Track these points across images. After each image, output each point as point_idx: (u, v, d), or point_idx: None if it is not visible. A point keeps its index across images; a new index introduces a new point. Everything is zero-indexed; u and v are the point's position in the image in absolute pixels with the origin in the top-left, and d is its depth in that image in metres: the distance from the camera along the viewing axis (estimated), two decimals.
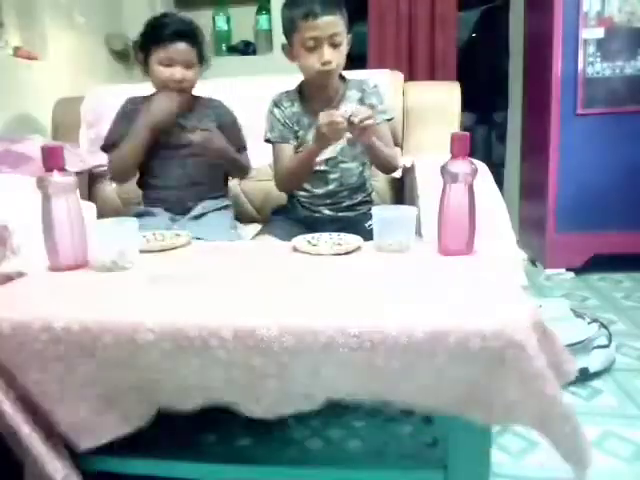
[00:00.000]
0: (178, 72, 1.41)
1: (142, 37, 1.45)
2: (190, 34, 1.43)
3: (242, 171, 1.58)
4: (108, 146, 1.51)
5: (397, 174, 1.63)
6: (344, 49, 1.32)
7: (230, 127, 1.54)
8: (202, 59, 1.48)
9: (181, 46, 1.40)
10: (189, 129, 1.41)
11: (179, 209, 1.48)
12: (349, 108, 1.24)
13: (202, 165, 1.49)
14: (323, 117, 1.21)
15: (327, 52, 1.28)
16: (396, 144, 1.67)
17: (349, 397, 0.74)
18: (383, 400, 0.73)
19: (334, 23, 1.27)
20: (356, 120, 1.19)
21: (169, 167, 1.48)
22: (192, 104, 1.51)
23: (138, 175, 1.55)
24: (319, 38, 1.27)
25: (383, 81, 1.71)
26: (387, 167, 1.43)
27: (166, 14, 1.46)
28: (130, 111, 1.49)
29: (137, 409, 0.77)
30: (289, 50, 1.35)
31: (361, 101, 1.40)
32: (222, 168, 1.56)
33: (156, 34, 1.41)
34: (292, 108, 1.42)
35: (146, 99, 1.49)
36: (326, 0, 1.27)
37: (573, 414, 0.69)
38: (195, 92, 1.54)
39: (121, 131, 1.47)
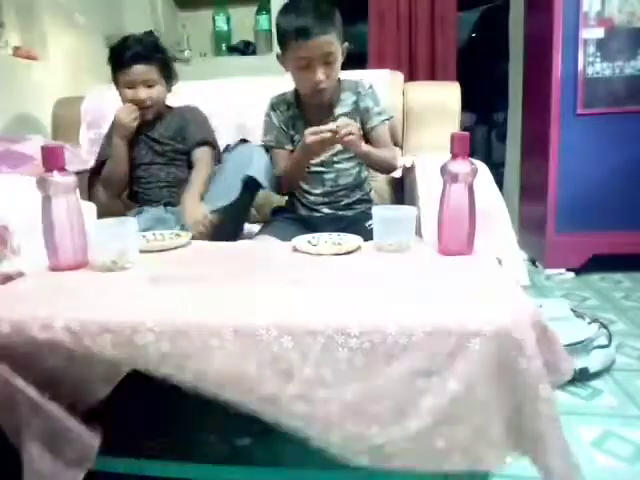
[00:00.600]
0: (140, 92, 1.48)
1: (109, 64, 1.51)
2: (147, 54, 1.48)
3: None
4: (99, 167, 1.59)
5: (397, 174, 1.63)
6: (338, 64, 1.31)
7: (194, 123, 1.56)
8: (167, 74, 1.54)
9: (139, 68, 1.47)
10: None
11: (175, 203, 1.50)
12: (335, 123, 1.25)
13: (184, 166, 1.54)
14: (309, 132, 1.23)
15: (320, 72, 1.27)
16: (396, 144, 1.67)
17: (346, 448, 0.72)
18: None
19: (327, 43, 1.24)
20: (340, 134, 1.22)
21: (153, 173, 1.54)
22: (162, 115, 1.56)
23: (128, 190, 1.61)
24: (311, 59, 1.25)
25: (383, 81, 1.71)
26: (385, 169, 1.44)
27: (126, 38, 1.51)
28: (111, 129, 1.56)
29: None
30: (283, 60, 1.34)
31: (356, 104, 1.39)
32: None
33: (116, 60, 1.49)
34: (288, 112, 1.42)
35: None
36: (319, 16, 1.24)
37: (559, 420, 0.69)
38: (173, 103, 1.60)
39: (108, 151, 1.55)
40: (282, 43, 1.31)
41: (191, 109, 1.61)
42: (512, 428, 0.71)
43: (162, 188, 1.54)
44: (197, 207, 1.34)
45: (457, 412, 0.70)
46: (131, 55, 1.47)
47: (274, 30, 2.76)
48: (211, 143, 1.55)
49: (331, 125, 1.22)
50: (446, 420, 0.69)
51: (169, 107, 1.60)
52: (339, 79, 1.41)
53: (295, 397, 0.71)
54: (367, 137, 1.40)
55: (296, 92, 1.43)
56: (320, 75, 1.27)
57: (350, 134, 1.22)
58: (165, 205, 1.53)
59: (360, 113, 1.39)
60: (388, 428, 0.70)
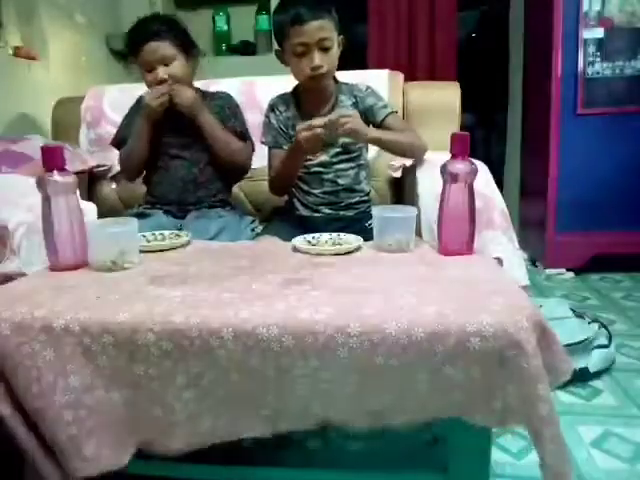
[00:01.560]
0: (160, 72, 1.39)
1: (127, 51, 1.44)
2: (158, 29, 1.39)
3: (240, 167, 1.52)
4: (116, 142, 1.53)
5: (397, 174, 1.63)
6: (335, 52, 1.31)
7: (228, 114, 1.49)
8: (186, 47, 1.43)
9: (151, 46, 1.38)
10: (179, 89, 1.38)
11: (179, 210, 1.46)
12: (328, 116, 1.22)
13: (206, 166, 1.47)
14: (301, 127, 1.22)
15: (317, 57, 1.27)
16: None
17: (346, 415, 0.74)
18: (382, 417, 0.73)
19: (322, 28, 1.26)
20: (339, 122, 1.18)
21: (173, 166, 1.46)
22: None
23: (144, 172, 1.53)
24: (308, 44, 1.26)
25: (383, 81, 1.71)
26: (409, 151, 1.37)
27: (140, 20, 1.44)
28: (140, 108, 1.47)
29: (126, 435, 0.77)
30: (281, 55, 1.35)
31: (355, 106, 1.39)
32: (224, 168, 1.54)
33: (131, 44, 1.42)
34: (287, 112, 1.42)
35: None
36: (313, 4, 1.25)
37: (558, 420, 0.69)
38: (202, 88, 1.54)
39: (127, 128, 1.48)
40: (279, 36, 1.32)
41: (228, 98, 1.53)
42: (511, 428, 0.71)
43: (174, 188, 1.45)
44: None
45: (456, 412, 0.70)
46: (142, 33, 1.39)
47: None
48: (246, 138, 1.50)
49: (322, 119, 1.20)
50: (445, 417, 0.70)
51: (199, 91, 1.50)
52: (337, 81, 1.41)
53: (299, 377, 0.71)
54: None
55: (295, 92, 1.43)
56: (317, 60, 1.27)
57: (347, 123, 1.18)
58: (165, 212, 1.45)
59: (362, 114, 1.39)
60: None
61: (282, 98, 1.45)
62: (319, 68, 1.28)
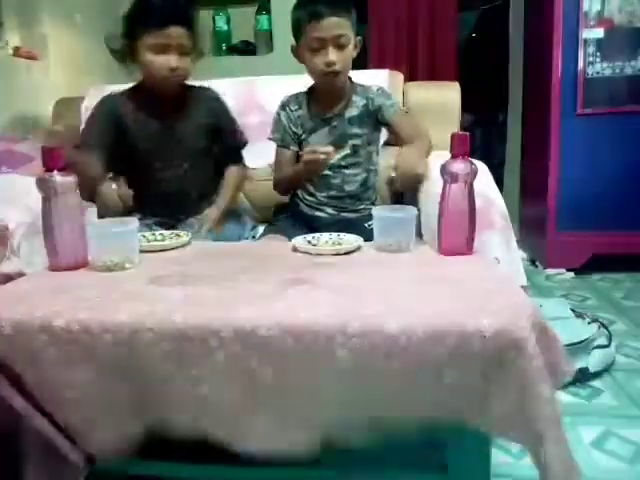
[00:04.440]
0: (173, 60, 1.26)
1: (129, 21, 1.28)
2: (186, 16, 1.27)
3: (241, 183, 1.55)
4: (83, 144, 1.38)
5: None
6: (350, 51, 1.32)
7: (227, 126, 1.46)
8: (196, 44, 1.32)
9: (176, 30, 1.23)
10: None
11: (179, 220, 1.44)
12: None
13: (198, 175, 1.46)
14: (306, 155, 1.26)
15: (331, 53, 1.29)
16: None
17: (346, 418, 0.73)
18: (381, 421, 0.73)
19: (339, 24, 1.27)
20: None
21: (164, 182, 1.41)
22: (180, 98, 1.39)
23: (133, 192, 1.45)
24: (323, 39, 1.27)
25: (383, 81, 1.71)
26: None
27: None
28: (106, 112, 1.39)
29: (129, 423, 0.77)
30: (297, 51, 1.35)
31: (366, 107, 1.39)
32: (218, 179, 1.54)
33: (146, 17, 1.24)
34: (298, 111, 1.43)
35: (125, 95, 1.40)
36: (332, 1, 1.27)
37: (561, 421, 0.69)
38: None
39: (94, 136, 1.37)
40: (297, 31, 1.33)
41: (218, 101, 1.44)
42: (513, 428, 0.71)
43: (168, 201, 1.41)
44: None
45: (456, 414, 0.70)
46: (168, 13, 1.22)
47: (274, 30, 2.76)
48: (241, 155, 1.51)
49: (328, 148, 1.24)
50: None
51: (186, 86, 1.41)
52: (352, 81, 1.41)
53: (295, 388, 0.71)
54: (390, 130, 1.42)
55: (308, 93, 1.44)
56: (332, 56, 1.29)
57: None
58: (177, 222, 1.41)
59: (373, 114, 1.39)
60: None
61: (295, 96, 1.45)
62: (333, 64, 1.29)
